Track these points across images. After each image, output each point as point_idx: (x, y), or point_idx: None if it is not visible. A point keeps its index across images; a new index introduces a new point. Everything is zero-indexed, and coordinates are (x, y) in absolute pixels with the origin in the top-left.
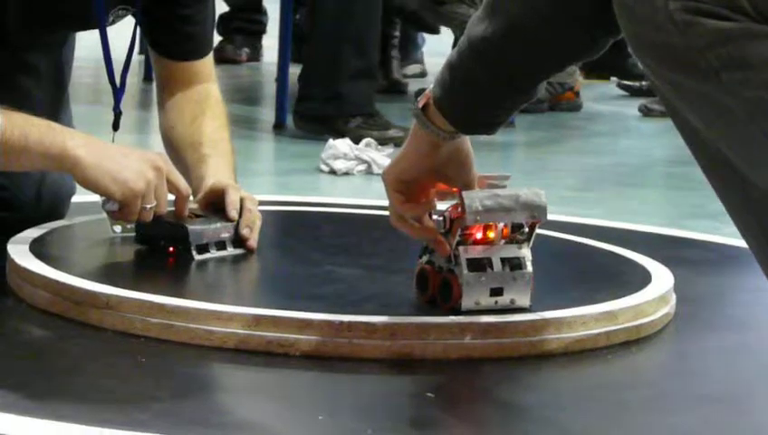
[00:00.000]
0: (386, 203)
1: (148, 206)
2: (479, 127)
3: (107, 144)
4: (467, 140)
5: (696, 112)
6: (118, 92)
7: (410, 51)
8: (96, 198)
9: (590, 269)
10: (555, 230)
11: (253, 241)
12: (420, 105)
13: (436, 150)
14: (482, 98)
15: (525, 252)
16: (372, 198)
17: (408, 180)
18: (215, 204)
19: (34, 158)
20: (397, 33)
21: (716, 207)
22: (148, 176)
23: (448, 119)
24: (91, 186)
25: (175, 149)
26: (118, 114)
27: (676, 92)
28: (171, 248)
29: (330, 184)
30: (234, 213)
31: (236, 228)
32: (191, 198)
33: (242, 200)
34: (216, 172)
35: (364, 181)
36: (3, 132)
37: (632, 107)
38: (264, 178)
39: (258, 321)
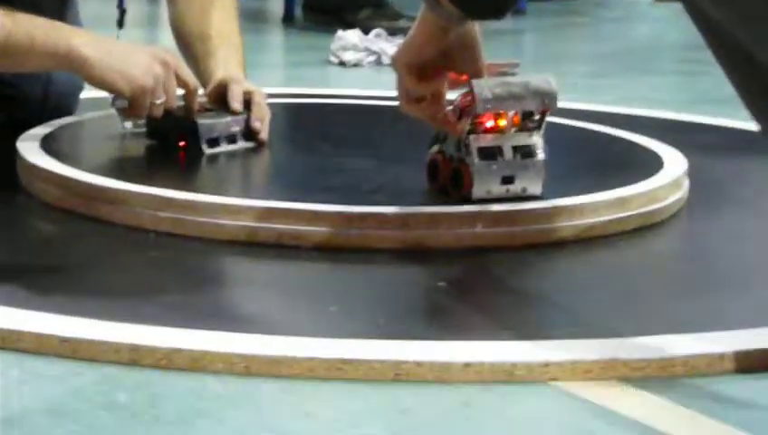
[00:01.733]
0: (396, 94)
1: (158, 101)
2: (487, 12)
3: (113, 41)
4: (476, 27)
5: None
6: None
7: None
8: (105, 93)
9: (601, 156)
10: (566, 117)
11: (264, 134)
12: None
13: (444, 34)
14: None
15: (536, 140)
16: (382, 88)
17: (418, 64)
18: (224, 97)
19: (41, 58)
20: None
21: (729, 91)
22: (156, 71)
23: (456, 4)
24: (100, 84)
25: (184, 41)
26: (122, 12)
27: None
28: (182, 143)
29: (339, 75)
30: (237, 105)
31: (247, 122)
32: (200, 91)
33: (251, 94)
34: (226, 65)
35: (374, 72)
36: (8, 34)
37: None
38: (274, 71)
39: (269, 213)
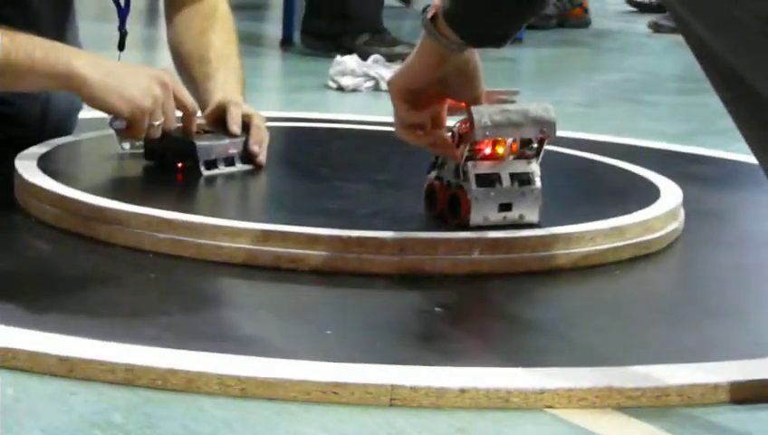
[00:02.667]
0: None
1: (156, 122)
2: (487, 40)
3: (112, 62)
4: (476, 54)
5: (705, 25)
6: (122, 11)
7: None
8: (103, 113)
9: (598, 185)
10: (564, 146)
11: (262, 157)
12: (429, 16)
13: (443, 62)
14: (490, 11)
15: (534, 167)
16: (380, 114)
17: (414, 90)
18: (223, 119)
19: (40, 78)
20: None
21: (726, 123)
22: (155, 92)
23: (456, 31)
24: (98, 104)
25: (183, 63)
26: (123, 34)
27: (685, 6)
28: (180, 164)
29: (337, 100)
30: (236, 128)
31: (245, 144)
32: (199, 113)
33: (249, 117)
34: (224, 87)
35: (372, 98)
36: (7, 53)
37: (641, 23)
38: (272, 95)
39: (267, 236)
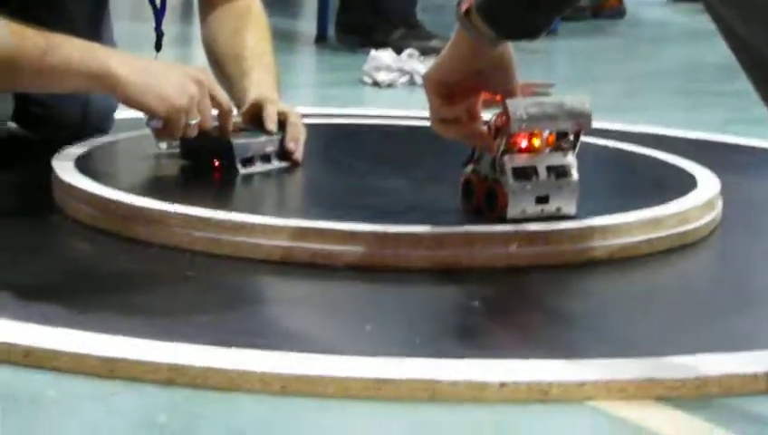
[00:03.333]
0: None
1: (192, 121)
2: (521, 33)
3: (148, 61)
4: (510, 47)
5: (738, 14)
6: (159, 12)
7: None
8: (139, 113)
9: (635, 176)
10: (600, 137)
11: (298, 154)
12: (463, 9)
13: (477, 55)
14: (524, 3)
15: (571, 160)
16: (415, 108)
17: (449, 83)
18: (259, 117)
19: (76, 79)
20: None
21: (762, 112)
22: (191, 91)
23: (490, 24)
24: (135, 104)
25: (218, 61)
26: (160, 35)
27: None
28: (216, 162)
29: (373, 95)
30: (272, 126)
31: (282, 142)
32: (235, 111)
33: (286, 114)
34: (260, 85)
35: (407, 92)
36: (43, 54)
37: (676, 13)
38: (307, 91)
39: (304, 233)
